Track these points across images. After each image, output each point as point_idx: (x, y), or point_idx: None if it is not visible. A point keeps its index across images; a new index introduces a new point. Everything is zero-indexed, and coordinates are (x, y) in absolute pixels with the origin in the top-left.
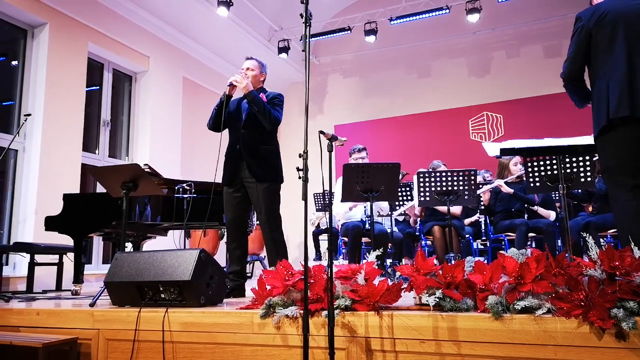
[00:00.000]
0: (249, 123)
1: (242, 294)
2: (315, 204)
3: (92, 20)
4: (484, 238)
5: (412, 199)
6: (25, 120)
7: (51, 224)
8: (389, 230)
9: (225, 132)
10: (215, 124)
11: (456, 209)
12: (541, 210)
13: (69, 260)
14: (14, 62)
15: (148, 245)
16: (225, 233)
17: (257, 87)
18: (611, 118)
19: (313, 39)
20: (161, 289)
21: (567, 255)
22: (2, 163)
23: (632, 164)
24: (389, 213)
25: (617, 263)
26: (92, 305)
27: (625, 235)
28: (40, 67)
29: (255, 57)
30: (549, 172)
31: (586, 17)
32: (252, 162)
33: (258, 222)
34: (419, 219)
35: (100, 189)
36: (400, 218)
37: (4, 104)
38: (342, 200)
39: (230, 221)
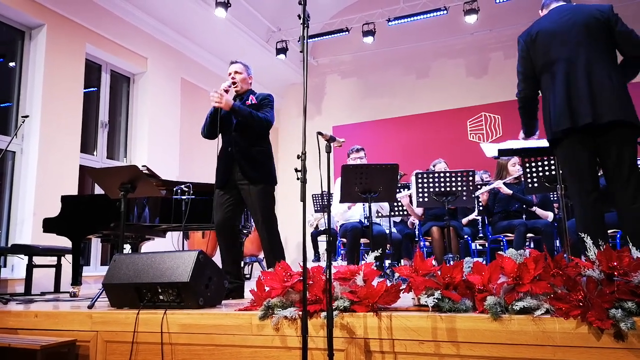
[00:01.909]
0: (240, 126)
1: (241, 295)
2: (314, 204)
3: (89, 22)
4: (481, 236)
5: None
6: (22, 122)
7: (49, 225)
8: (387, 231)
9: (194, 136)
10: (209, 133)
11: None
12: (539, 211)
13: (67, 262)
14: (12, 64)
15: (146, 246)
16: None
17: (246, 89)
18: (554, 131)
19: (311, 40)
20: (160, 290)
21: (565, 255)
22: (0, 165)
23: (585, 171)
24: (390, 214)
25: (615, 263)
26: (90, 307)
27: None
28: (38, 69)
29: (240, 60)
30: (547, 173)
31: (523, 40)
32: (245, 164)
33: (254, 224)
34: (417, 220)
35: (98, 190)
36: (397, 219)
37: (1, 105)
38: (340, 201)
39: (218, 223)
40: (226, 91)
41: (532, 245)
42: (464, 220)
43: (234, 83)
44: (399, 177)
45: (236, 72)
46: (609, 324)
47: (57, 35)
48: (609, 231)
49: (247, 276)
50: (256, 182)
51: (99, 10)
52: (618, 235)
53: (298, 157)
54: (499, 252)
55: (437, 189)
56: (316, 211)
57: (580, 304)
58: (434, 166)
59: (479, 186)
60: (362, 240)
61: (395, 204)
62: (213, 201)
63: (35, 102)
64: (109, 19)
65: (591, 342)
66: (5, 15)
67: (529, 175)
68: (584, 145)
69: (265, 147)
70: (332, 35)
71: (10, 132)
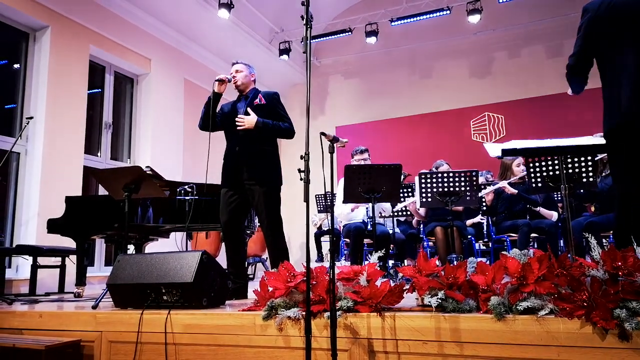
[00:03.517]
0: None
1: (245, 295)
2: (317, 205)
3: (93, 23)
4: (486, 239)
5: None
6: (27, 123)
7: (53, 226)
8: (391, 232)
9: (217, 133)
10: (205, 123)
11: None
12: (543, 211)
13: (71, 262)
14: (16, 65)
15: (150, 247)
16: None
17: (249, 87)
18: (621, 124)
19: (314, 40)
20: (163, 290)
21: (569, 255)
22: (5, 166)
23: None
24: (392, 214)
25: (619, 263)
26: (94, 307)
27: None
28: (42, 70)
29: (241, 61)
30: (551, 173)
31: (593, 8)
32: (252, 164)
33: (259, 224)
34: (421, 221)
35: (102, 191)
36: (402, 219)
37: (6, 107)
38: (344, 202)
39: (225, 223)
40: (222, 81)
41: (536, 245)
42: (468, 222)
43: (233, 77)
44: (402, 177)
45: (237, 71)
46: (614, 324)
47: (61, 37)
48: (611, 231)
49: (251, 276)
50: (263, 183)
51: (102, 12)
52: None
53: (301, 157)
54: (502, 252)
55: (440, 189)
56: (319, 211)
57: (585, 304)
58: (436, 168)
59: (483, 186)
60: (366, 241)
61: (402, 210)
62: (220, 201)
63: (40, 104)
64: (113, 20)
65: (595, 342)
66: (10, 17)
67: (533, 175)
68: None
69: (272, 147)
70: (335, 36)
71: (15, 133)
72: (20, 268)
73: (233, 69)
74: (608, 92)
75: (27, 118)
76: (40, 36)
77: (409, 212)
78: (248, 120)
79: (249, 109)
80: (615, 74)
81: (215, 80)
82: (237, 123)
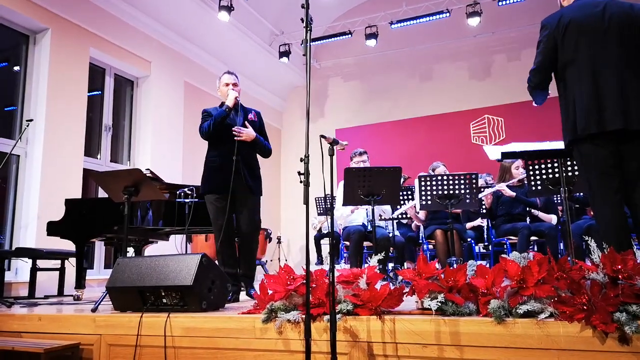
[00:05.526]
0: None
1: (237, 299)
2: (317, 207)
3: (93, 26)
4: (486, 242)
5: (413, 200)
6: (27, 126)
7: (53, 229)
8: (390, 235)
9: (198, 139)
10: (217, 133)
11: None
12: (542, 215)
13: (70, 265)
14: (16, 68)
15: (150, 250)
16: (220, 237)
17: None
18: (578, 134)
19: (314, 43)
20: (163, 293)
21: (569, 258)
22: (4, 168)
23: (610, 171)
24: (392, 217)
25: (619, 266)
26: (94, 310)
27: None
28: (42, 73)
29: (233, 71)
30: (551, 176)
31: (552, 25)
32: (248, 174)
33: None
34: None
35: (102, 193)
36: (404, 221)
37: (6, 109)
38: (343, 204)
39: (227, 223)
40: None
41: (535, 249)
42: (468, 225)
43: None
44: (402, 180)
45: (235, 85)
46: (614, 327)
47: (62, 40)
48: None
49: None
50: (254, 192)
51: (102, 14)
52: None
53: (301, 160)
54: (502, 255)
55: (440, 192)
56: (319, 214)
57: (585, 307)
58: (433, 170)
59: (482, 189)
60: (365, 244)
61: (402, 214)
62: (211, 206)
63: (40, 106)
64: (113, 23)
65: (595, 345)
66: (10, 19)
67: (532, 178)
68: (608, 148)
69: (258, 159)
70: (335, 38)
71: (15, 135)
72: (19, 271)
73: (232, 80)
74: (564, 105)
75: (27, 120)
76: (40, 38)
77: (409, 216)
78: (247, 133)
79: (247, 123)
80: (570, 90)
81: (234, 97)
82: (236, 133)
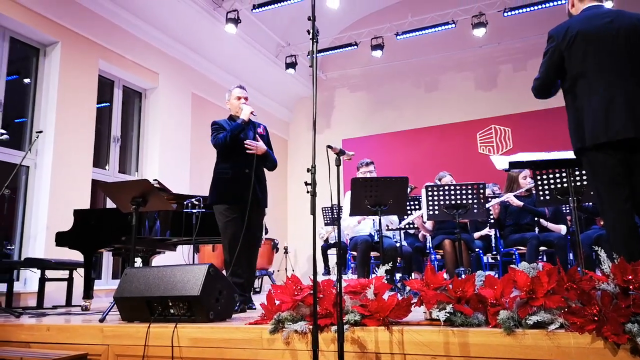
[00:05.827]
0: None
1: (244, 309)
2: (324, 218)
3: (102, 38)
4: (494, 252)
5: (420, 210)
6: (37, 137)
7: (62, 239)
8: (398, 245)
9: (214, 150)
10: (233, 144)
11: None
12: (551, 225)
13: (79, 275)
14: (27, 80)
15: (157, 260)
16: (232, 247)
17: None
18: (588, 144)
19: (320, 54)
20: (170, 304)
21: (579, 269)
22: (14, 179)
23: (619, 180)
24: (399, 227)
25: (630, 277)
26: (101, 320)
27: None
28: (52, 85)
29: (244, 85)
30: (559, 185)
31: (558, 36)
32: (259, 187)
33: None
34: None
35: (110, 204)
36: (411, 231)
37: (16, 121)
38: (350, 214)
39: (243, 233)
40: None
41: (545, 259)
42: (476, 235)
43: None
44: (409, 190)
45: (246, 99)
46: (625, 338)
47: (71, 52)
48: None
49: (257, 289)
50: (264, 204)
51: (111, 27)
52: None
53: (308, 170)
54: (511, 266)
55: (447, 202)
56: (326, 224)
57: (595, 318)
58: (439, 180)
59: (489, 199)
60: (373, 254)
61: (409, 224)
62: (225, 216)
63: (49, 118)
64: (122, 35)
65: (607, 357)
66: (21, 32)
67: (540, 187)
68: (617, 157)
69: (265, 172)
70: (341, 50)
71: (25, 147)
72: (28, 281)
73: (244, 94)
74: (573, 114)
75: (36, 132)
76: (50, 51)
77: (416, 226)
78: (260, 146)
79: (257, 136)
80: (579, 99)
81: (250, 112)
82: (248, 146)
